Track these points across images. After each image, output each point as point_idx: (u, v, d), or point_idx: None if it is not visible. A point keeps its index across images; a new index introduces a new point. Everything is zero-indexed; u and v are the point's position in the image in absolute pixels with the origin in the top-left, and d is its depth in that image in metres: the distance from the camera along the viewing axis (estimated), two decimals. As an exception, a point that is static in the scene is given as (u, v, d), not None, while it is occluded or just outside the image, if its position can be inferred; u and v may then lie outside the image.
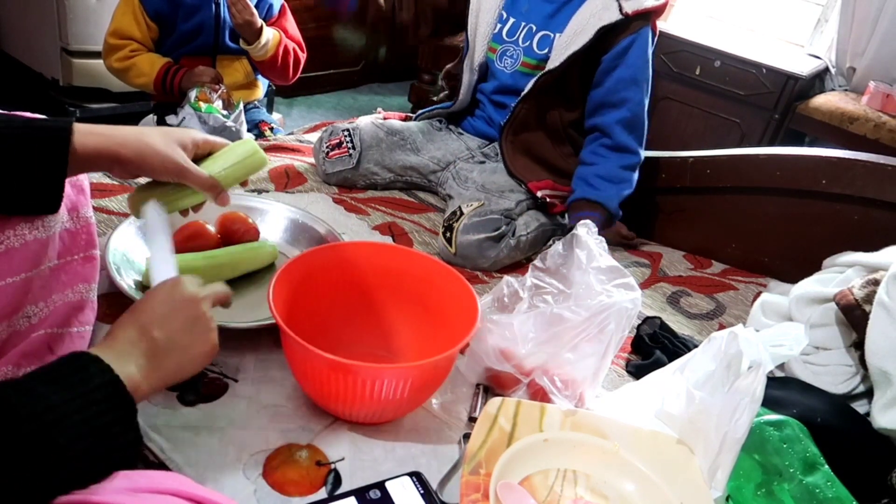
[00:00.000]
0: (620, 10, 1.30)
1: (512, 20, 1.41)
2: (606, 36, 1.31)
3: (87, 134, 0.68)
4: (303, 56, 1.86)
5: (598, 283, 0.88)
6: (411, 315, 0.93)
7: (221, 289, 0.71)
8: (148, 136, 0.73)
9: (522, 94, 1.38)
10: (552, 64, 1.34)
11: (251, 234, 1.07)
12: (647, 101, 1.38)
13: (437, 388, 0.86)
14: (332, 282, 0.91)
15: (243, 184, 0.85)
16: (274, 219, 1.15)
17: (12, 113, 0.68)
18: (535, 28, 1.38)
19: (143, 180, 0.79)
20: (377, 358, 0.93)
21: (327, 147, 1.43)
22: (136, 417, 0.55)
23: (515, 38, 1.40)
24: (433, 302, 0.91)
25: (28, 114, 0.71)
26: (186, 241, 0.99)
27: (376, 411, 0.80)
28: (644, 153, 1.41)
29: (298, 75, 1.88)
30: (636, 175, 1.40)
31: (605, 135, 1.37)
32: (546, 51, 1.36)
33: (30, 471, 0.47)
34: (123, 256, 0.95)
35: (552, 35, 1.36)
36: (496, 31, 1.42)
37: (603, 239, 0.96)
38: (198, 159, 0.79)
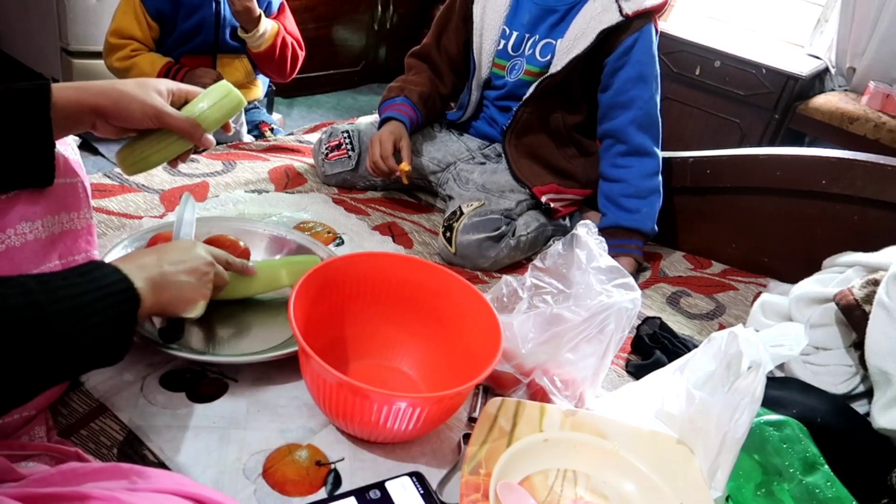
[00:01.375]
0: (620, 11, 1.29)
1: (515, 34, 1.40)
2: (608, 38, 1.31)
3: (64, 89, 0.68)
4: (301, 53, 1.86)
5: (598, 283, 0.88)
6: (427, 329, 0.91)
7: (225, 274, 0.84)
8: (123, 84, 0.74)
9: (524, 98, 1.37)
10: (554, 69, 1.33)
11: (243, 257, 0.98)
12: (658, 99, 1.36)
13: (453, 414, 0.82)
14: (347, 293, 0.90)
15: (225, 128, 0.85)
16: (266, 241, 1.08)
17: None
18: (538, 37, 1.38)
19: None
20: (391, 371, 0.92)
21: (326, 148, 1.43)
22: (138, 314, 0.63)
23: (521, 50, 1.40)
24: (448, 316, 0.90)
25: None
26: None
27: (389, 435, 0.78)
28: (657, 151, 1.37)
29: (296, 72, 1.88)
30: (660, 179, 1.38)
31: (619, 140, 1.36)
32: (548, 57, 1.36)
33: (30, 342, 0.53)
34: None
35: (554, 42, 1.35)
36: (500, 47, 1.41)
37: (603, 239, 0.96)
38: (176, 107, 0.80)
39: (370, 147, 1.35)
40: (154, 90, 0.76)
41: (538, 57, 1.37)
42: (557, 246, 0.96)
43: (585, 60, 1.33)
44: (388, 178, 1.37)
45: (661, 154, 1.39)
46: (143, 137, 0.79)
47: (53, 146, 0.68)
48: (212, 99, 0.82)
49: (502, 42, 1.41)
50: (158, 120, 0.75)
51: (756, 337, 0.83)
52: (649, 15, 1.32)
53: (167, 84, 0.79)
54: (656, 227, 1.37)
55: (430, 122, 1.51)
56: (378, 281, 0.91)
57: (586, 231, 0.94)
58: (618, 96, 1.34)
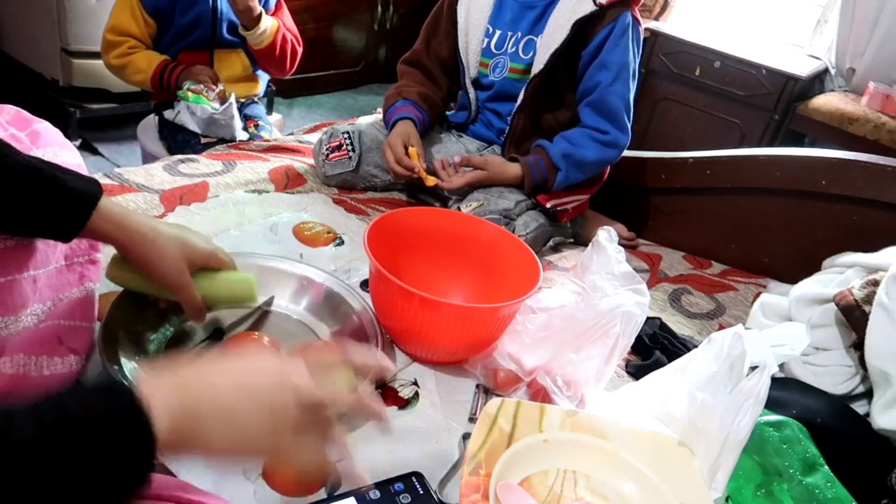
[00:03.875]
0: (594, 0, 1.29)
1: (498, 32, 1.40)
2: (584, 30, 1.30)
3: (106, 220, 0.70)
4: (299, 49, 1.86)
5: (609, 287, 0.88)
6: (476, 276, 1.05)
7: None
8: (163, 245, 0.74)
9: (517, 105, 1.37)
10: (537, 67, 1.33)
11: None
12: (625, 91, 1.32)
13: (498, 337, 0.92)
14: (408, 243, 1.03)
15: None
16: (296, 284, 1.00)
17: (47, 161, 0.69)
18: (520, 35, 1.38)
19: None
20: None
21: (327, 149, 1.43)
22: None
23: (504, 49, 1.40)
24: (496, 266, 1.04)
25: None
26: None
27: (450, 349, 0.92)
28: (619, 135, 1.33)
29: (295, 68, 1.88)
30: (606, 150, 1.33)
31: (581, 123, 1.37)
32: (531, 55, 1.36)
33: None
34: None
35: (535, 38, 1.35)
36: (484, 45, 1.42)
37: (622, 249, 0.95)
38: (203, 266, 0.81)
39: (384, 156, 1.35)
40: (188, 261, 0.76)
41: (521, 55, 1.38)
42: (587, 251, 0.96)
43: (566, 55, 1.32)
44: (412, 179, 1.36)
45: (618, 135, 1.34)
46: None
47: (76, 236, 0.70)
48: (231, 291, 0.84)
49: (486, 41, 1.42)
50: (172, 290, 0.77)
51: (760, 338, 0.83)
52: (625, 3, 1.31)
53: (204, 253, 0.79)
54: (564, 167, 1.33)
55: (433, 123, 1.51)
56: (433, 232, 1.05)
57: (607, 237, 0.93)
58: (584, 84, 1.34)
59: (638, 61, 1.36)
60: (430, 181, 1.33)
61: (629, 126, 1.35)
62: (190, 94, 1.65)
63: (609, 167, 1.46)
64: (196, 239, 0.79)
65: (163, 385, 0.47)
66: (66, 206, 0.68)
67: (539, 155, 1.35)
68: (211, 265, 0.81)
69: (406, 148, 1.34)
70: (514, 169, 1.35)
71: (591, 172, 1.37)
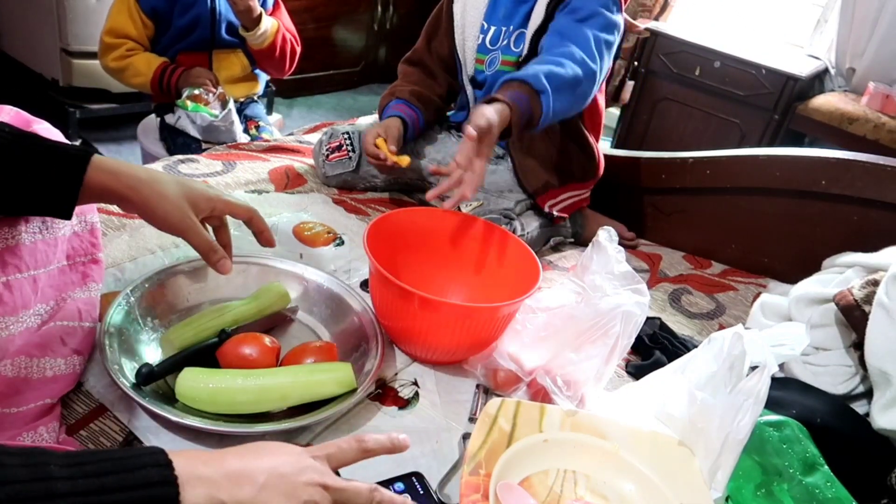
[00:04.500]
0: None
1: (493, 28, 1.40)
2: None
3: (101, 171, 0.69)
4: (298, 49, 1.87)
5: (609, 287, 0.89)
6: (476, 276, 1.06)
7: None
8: (162, 186, 0.72)
9: None
10: (523, 54, 1.33)
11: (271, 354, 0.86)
12: (592, 26, 1.24)
13: (498, 337, 0.92)
14: (404, 243, 1.03)
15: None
16: (303, 289, 0.99)
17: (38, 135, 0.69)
18: (512, 29, 1.38)
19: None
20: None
21: (327, 150, 1.43)
22: None
23: (498, 44, 1.40)
24: (496, 266, 1.05)
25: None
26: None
27: (450, 348, 0.92)
28: (588, 60, 1.20)
29: (294, 68, 1.88)
30: (577, 66, 1.19)
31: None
32: (521, 48, 1.37)
33: None
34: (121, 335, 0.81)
35: (525, 30, 1.36)
36: (480, 42, 1.42)
37: (622, 249, 0.95)
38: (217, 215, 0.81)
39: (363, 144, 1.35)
40: (190, 202, 0.74)
41: (512, 48, 1.38)
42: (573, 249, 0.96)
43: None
44: (386, 166, 1.31)
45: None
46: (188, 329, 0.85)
47: (75, 204, 0.69)
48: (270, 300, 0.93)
49: (481, 37, 1.42)
50: (180, 233, 0.74)
51: (760, 338, 0.83)
52: None
53: (208, 196, 0.76)
54: (548, 88, 1.15)
55: (431, 121, 1.51)
56: (433, 234, 1.06)
57: (607, 237, 0.93)
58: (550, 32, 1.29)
59: (619, 24, 1.27)
60: (404, 161, 1.28)
61: (601, 65, 1.24)
62: (189, 102, 1.65)
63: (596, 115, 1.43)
64: (199, 185, 0.77)
65: (198, 479, 0.49)
66: (62, 165, 0.66)
67: (512, 89, 1.16)
68: (218, 209, 0.79)
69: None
70: (492, 110, 1.10)
71: (570, 96, 1.21)
